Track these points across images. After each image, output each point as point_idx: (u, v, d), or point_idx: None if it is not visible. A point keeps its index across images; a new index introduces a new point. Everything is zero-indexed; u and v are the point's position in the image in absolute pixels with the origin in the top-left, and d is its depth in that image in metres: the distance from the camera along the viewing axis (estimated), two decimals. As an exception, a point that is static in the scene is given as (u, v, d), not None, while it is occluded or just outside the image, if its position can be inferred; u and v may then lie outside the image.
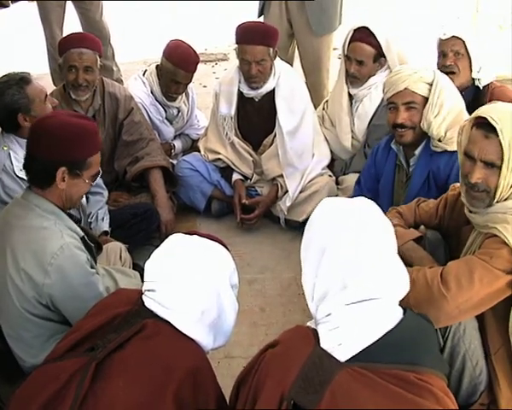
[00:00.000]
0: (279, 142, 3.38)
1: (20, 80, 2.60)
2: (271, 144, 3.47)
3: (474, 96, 2.97)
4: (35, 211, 2.05)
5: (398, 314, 1.46)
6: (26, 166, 2.12)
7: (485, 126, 1.89)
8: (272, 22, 3.80)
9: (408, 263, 2.11)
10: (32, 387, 1.53)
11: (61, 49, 3.17)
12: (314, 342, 1.45)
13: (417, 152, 2.66)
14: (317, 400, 1.34)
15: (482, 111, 1.94)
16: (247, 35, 3.20)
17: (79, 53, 3.09)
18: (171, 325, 1.58)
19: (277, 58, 3.34)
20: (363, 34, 3.23)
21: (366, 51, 3.24)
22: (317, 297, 1.48)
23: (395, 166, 2.81)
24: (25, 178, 2.58)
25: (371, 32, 3.21)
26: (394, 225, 2.26)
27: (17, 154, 2.65)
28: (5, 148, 2.67)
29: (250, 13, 4.24)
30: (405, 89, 2.60)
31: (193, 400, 1.50)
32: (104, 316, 1.63)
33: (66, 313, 2.05)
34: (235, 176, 3.53)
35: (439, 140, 2.57)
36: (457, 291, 1.80)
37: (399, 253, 2.17)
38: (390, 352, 1.40)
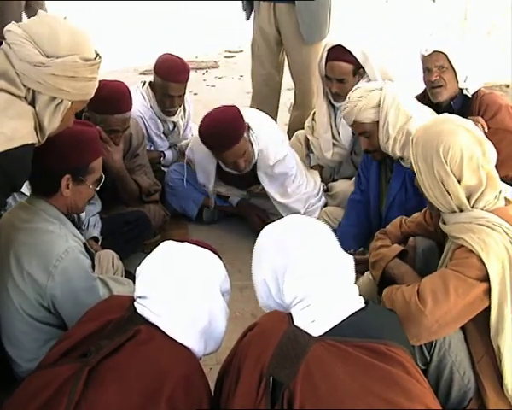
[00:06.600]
0: (269, 196, 3.33)
1: None
2: (260, 187, 3.40)
3: (463, 104, 2.99)
4: (40, 215, 2.07)
5: (362, 300, 1.59)
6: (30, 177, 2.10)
7: None
8: (261, 27, 3.83)
9: (392, 281, 2.13)
10: (24, 394, 1.53)
11: (99, 108, 2.91)
12: (289, 321, 1.53)
13: None
14: (294, 372, 1.41)
15: None
16: (220, 141, 3.07)
17: (123, 119, 3.01)
18: (164, 331, 1.59)
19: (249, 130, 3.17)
20: (337, 53, 3.16)
21: (345, 69, 3.17)
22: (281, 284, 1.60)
23: (379, 162, 2.84)
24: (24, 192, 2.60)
25: (346, 49, 3.15)
26: (377, 248, 2.28)
27: None
28: None
29: (239, 21, 4.25)
30: (354, 122, 2.65)
31: (186, 406, 1.50)
32: (96, 322, 1.64)
33: (65, 317, 2.05)
34: (235, 199, 3.53)
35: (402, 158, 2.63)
36: (434, 305, 1.80)
37: (385, 273, 2.19)
38: (359, 329, 1.50)
